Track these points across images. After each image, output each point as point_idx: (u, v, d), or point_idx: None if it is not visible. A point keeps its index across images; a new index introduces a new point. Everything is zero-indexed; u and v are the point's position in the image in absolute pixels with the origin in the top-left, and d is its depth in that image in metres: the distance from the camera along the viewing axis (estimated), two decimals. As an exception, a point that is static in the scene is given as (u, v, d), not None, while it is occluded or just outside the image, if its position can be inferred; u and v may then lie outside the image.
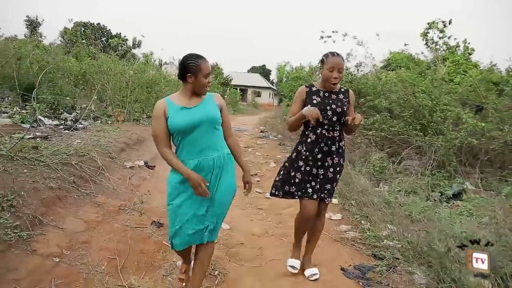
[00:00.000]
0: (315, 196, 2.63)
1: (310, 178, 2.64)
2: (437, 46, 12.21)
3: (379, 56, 14.65)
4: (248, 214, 4.34)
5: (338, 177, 2.72)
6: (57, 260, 2.69)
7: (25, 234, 2.80)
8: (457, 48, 11.57)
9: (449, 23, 12.34)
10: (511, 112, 6.76)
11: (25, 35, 24.77)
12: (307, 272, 2.81)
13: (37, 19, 28.38)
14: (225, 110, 2.32)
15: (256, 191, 5.32)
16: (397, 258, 3.15)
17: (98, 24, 51.76)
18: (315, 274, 2.80)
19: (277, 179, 2.80)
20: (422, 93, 6.35)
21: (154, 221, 3.68)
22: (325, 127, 2.58)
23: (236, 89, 38.48)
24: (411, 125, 6.05)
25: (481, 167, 6.26)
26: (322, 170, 2.64)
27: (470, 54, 11.25)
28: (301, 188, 2.64)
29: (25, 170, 3.61)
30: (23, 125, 6.25)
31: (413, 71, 7.75)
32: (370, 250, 3.36)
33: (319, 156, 2.61)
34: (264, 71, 63.57)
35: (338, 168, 2.68)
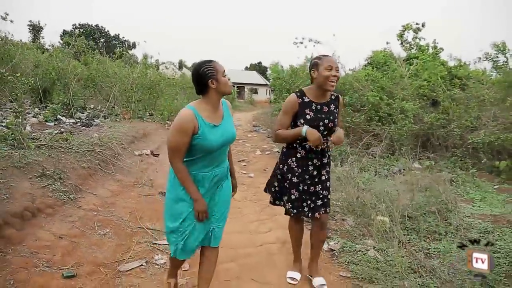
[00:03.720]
0: (310, 215, 2.57)
1: (308, 197, 2.56)
2: (411, 46, 13.39)
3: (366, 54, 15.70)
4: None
5: (329, 184, 2.66)
6: (95, 213, 3.91)
7: (72, 197, 4.02)
8: (427, 48, 12.75)
9: (423, 26, 13.51)
10: (460, 105, 7.95)
11: (28, 40, 25.91)
12: (315, 282, 2.76)
13: (39, 24, 29.42)
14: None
15: (242, 172, 6.54)
16: (336, 211, 4.37)
17: (97, 25, 52.80)
18: (324, 285, 2.75)
19: (273, 190, 2.72)
20: (381, 90, 7.54)
21: (160, 192, 4.88)
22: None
23: (234, 87, 39.59)
24: (370, 116, 7.26)
25: (434, 150, 7.51)
26: (320, 185, 2.57)
27: (437, 53, 12.43)
28: (298, 206, 2.56)
29: (62, 155, 4.82)
30: (47, 123, 7.43)
31: (376, 72, 8.91)
32: (319, 208, 4.58)
33: (315, 172, 2.55)
34: (260, 68, 64.73)
35: (328, 176, 2.64)
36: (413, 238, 3.47)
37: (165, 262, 3.07)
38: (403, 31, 13.75)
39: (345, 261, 3.17)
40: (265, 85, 51.91)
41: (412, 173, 5.31)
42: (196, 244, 2.22)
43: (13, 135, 4.75)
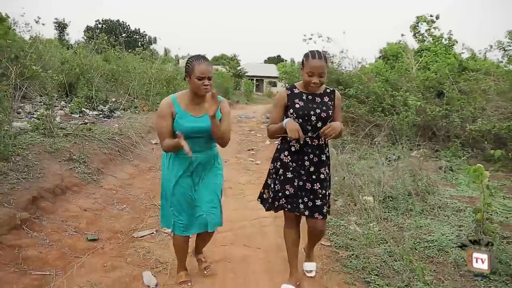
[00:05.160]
0: (306, 213, 2.41)
1: (304, 194, 2.40)
2: (424, 38, 13.47)
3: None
4: (240, 173, 6.05)
5: (329, 184, 2.51)
6: (115, 192, 4.50)
7: (95, 178, 4.63)
8: (440, 39, 12.80)
9: (437, 18, 13.51)
10: (464, 96, 8.15)
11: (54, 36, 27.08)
12: (305, 266, 2.80)
13: (64, 21, 30.65)
14: (227, 118, 2.38)
15: (250, 160, 7.04)
16: (329, 193, 4.79)
17: (118, 20, 54.07)
18: (312, 271, 2.79)
19: (266, 195, 2.60)
20: (386, 81, 7.85)
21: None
22: (309, 134, 2.35)
23: (253, 80, 40.11)
24: (373, 107, 7.60)
25: (437, 140, 7.78)
26: (319, 184, 2.40)
27: (451, 45, 12.49)
28: (292, 202, 2.40)
29: (86, 143, 5.43)
30: (72, 115, 8.12)
31: (384, 64, 9.17)
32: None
33: (312, 168, 2.39)
34: (279, 61, 64.84)
35: (328, 176, 2.51)
36: (392, 215, 3.87)
37: (172, 231, 3.59)
38: (417, 22, 13.84)
39: (328, 233, 3.61)
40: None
41: (407, 160, 5.65)
42: (187, 221, 2.44)
43: (43, 125, 5.39)
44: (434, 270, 2.81)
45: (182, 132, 2.21)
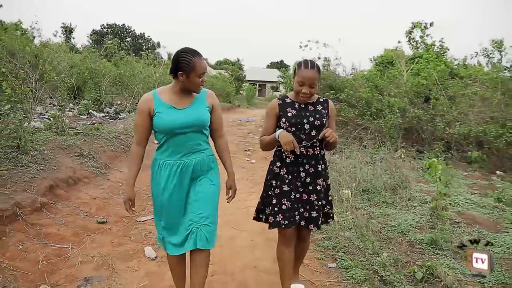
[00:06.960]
0: (302, 223, 2.32)
1: (300, 205, 2.32)
2: (417, 45, 13.97)
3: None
4: (235, 170, 6.53)
5: (326, 196, 2.43)
6: (120, 184, 5.01)
7: (102, 171, 5.15)
8: (433, 46, 13.29)
9: (430, 25, 14.00)
10: (446, 101, 8.62)
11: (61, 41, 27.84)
12: (294, 286, 2.55)
13: (71, 25, 31.44)
14: (218, 109, 2.23)
15: (245, 159, 7.56)
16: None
17: (123, 25, 54.96)
18: None
19: (265, 208, 2.46)
20: (375, 88, 8.35)
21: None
22: (303, 143, 2.26)
23: (255, 84, 40.75)
24: (363, 112, 8.10)
25: (423, 142, 8.26)
26: (315, 195, 2.30)
27: (443, 52, 12.98)
28: (290, 217, 2.28)
29: (95, 141, 5.97)
30: (80, 116, 8.68)
31: (375, 71, 9.67)
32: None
33: (308, 179, 2.30)
34: (282, 66, 65.49)
35: (326, 187, 2.42)
36: (365, 205, 4.37)
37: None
38: (412, 28, 14.31)
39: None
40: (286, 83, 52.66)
41: (388, 160, 6.15)
42: (178, 240, 2.15)
43: (56, 125, 5.93)
44: (392, 248, 3.30)
45: (168, 129, 2.06)
